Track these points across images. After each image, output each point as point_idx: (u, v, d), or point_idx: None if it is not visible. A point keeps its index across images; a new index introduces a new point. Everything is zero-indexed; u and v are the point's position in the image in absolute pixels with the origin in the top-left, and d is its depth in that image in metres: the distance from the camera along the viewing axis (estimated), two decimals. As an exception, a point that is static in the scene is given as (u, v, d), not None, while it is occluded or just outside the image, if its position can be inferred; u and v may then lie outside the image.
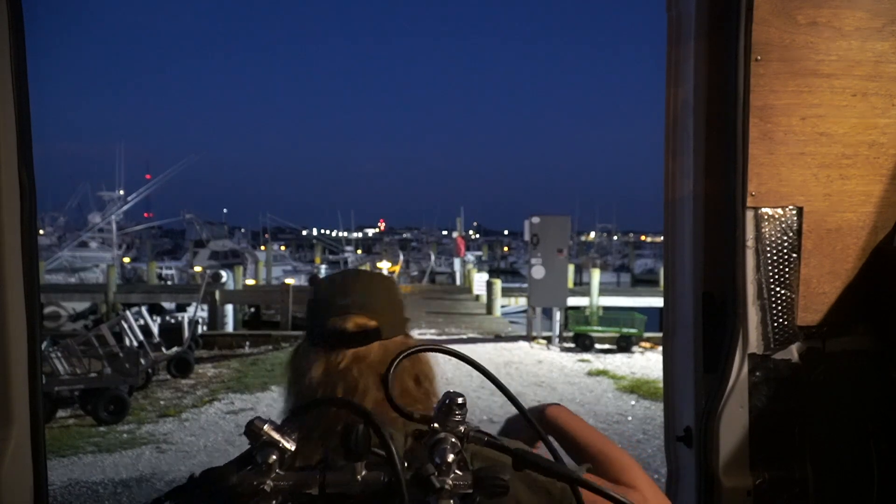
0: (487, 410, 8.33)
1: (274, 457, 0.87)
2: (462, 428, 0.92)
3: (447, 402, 0.93)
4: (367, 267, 26.00)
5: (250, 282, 31.08)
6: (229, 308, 20.44)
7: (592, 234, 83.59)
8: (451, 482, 0.85)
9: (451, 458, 0.87)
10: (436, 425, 0.91)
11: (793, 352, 1.60)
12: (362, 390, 1.05)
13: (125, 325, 10.59)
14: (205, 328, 17.51)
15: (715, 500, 1.59)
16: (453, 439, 0.89)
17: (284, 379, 1.14)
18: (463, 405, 0.93)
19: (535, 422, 1.02)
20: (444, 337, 14.86)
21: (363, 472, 0.90)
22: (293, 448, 0.90)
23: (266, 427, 0.88)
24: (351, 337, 1.09)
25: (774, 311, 1.59)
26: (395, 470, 0.87)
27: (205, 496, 0.90)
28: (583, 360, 12.07)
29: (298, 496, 0.88)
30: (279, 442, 0.88)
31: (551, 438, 1.07)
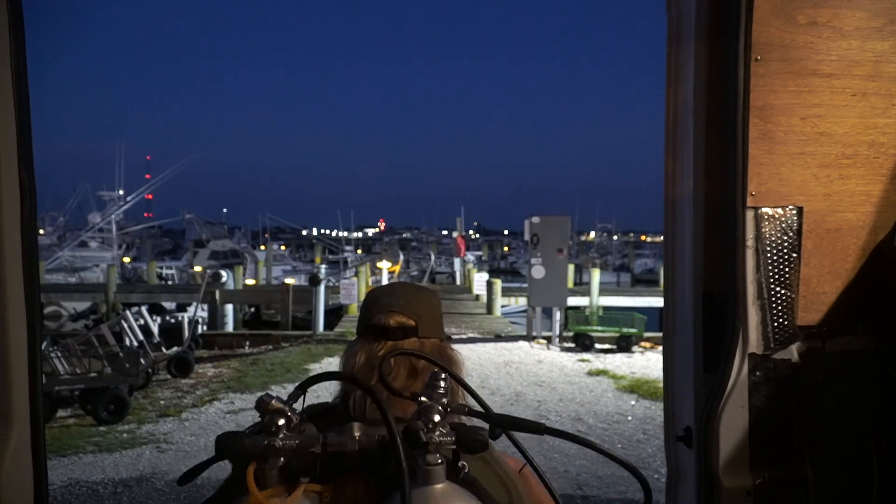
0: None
1: (281, 421, 0.99)
2: (445, 400, 1.06)
3: (432, 380, 1.07)
4: (366, 267, 26.05)
5: (250, 282, 31.09)
6: (229, 308, 20.45)
7: (592, 234, 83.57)
8: (437, 437, 0.98)
9: (436, 418, 1.00)
10: (423, 398, 1.05)
11: (793, 352, 1.60)
12: (395, 376, 1.22)
13: (125, 325, 10.59)
14: (205, 328, 17.52)
15: (715, 500, 1.59)
16: (439, 407, 1.03)
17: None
18: (446, 380, 1.08)
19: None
20: (444, 337, 14.84)
21: (359, 433, 1.03)
22: (297, 416, 1.02)
23: (274, 401, 1.01)
24: (391, 331, 1.27)
25: (774, 311, 1.59)
26: (389, 426, 0.99)
27: (220, 455, 1.03)
28: (583, 360, 12.07)
29: (303, 454, 1.00)
30: (285, 410, 1.01)
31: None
